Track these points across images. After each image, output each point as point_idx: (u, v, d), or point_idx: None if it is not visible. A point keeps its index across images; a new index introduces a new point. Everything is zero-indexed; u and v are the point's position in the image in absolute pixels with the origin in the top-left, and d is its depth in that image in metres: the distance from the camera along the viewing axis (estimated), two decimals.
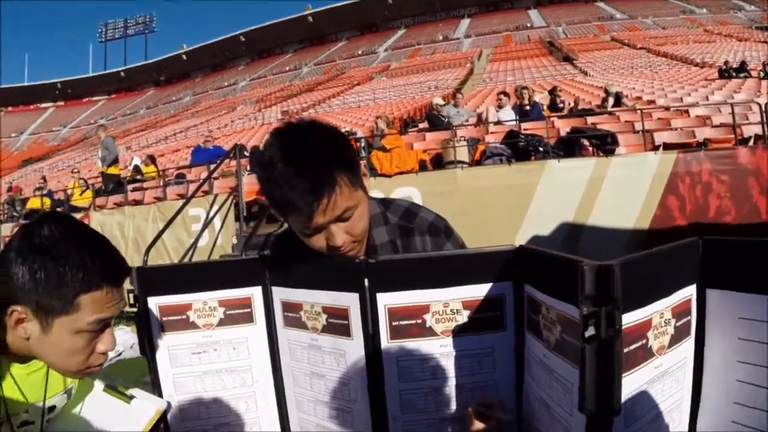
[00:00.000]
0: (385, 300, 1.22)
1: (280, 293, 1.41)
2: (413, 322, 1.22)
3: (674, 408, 1.07)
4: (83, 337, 1.15)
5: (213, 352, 1.44)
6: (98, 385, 1.44)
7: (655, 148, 8.44)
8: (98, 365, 1.21)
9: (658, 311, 1.00)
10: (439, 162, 8.97)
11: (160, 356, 1.43)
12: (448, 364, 1.23)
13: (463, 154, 8.60)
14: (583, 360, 0.93)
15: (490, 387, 1.25)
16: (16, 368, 1.19)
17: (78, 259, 1.10)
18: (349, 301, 1.25)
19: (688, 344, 1.07)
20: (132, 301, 1.42)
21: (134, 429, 1.37)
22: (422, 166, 8.83)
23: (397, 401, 1.25)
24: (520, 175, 7.92)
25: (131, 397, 1.43)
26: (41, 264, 1.08)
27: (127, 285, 1.42)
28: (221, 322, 1.44)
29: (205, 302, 1.43)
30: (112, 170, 12.12)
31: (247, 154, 10.20)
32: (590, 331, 0.92)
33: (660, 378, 1.03)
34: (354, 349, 1.26)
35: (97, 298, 1.13)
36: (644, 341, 0.99)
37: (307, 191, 1.17)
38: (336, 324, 1.29)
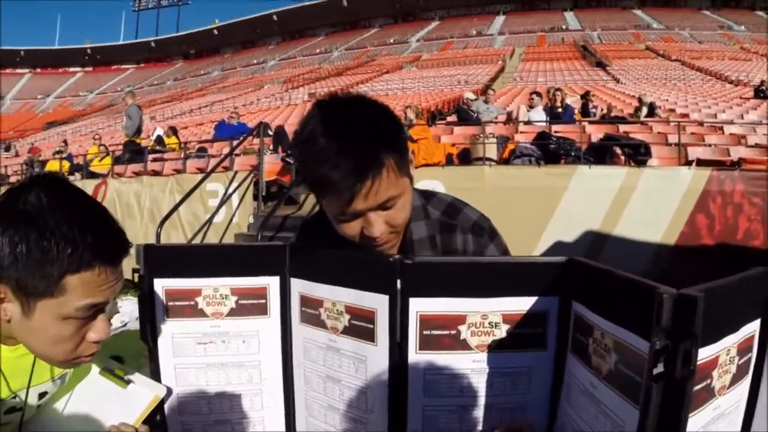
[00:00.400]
0: (418, 306, 1.09)
1: (299, 286, 1.29)
2: (446, 332, 1.09)
3: None
4: (71, 324, 1.00)
5: (220, 343, 1.33)
6: (95, 368, 1.33)
7: (688, 163, 8.19)
8: (89, 355, 1.08)
9: (726, 348, 0.87)
10: (466, 157, 8.78)
11: (163, 344, 1.33)
12: (479, 382, 1.11)
13: (491, 151, 8.41)
14: (647, 400, 0.81)
15: (521, 410, 1.13)
16: (3, 351, 1.06)
17: (67, 232, 0.92)
18: (377, 303, 1.13)
19: (746, 384, 0.95)
20: (137, 282, 1.31)
21: (129, 416, 1.26)
22: (449, 160, 8.63)
23: (419, 417, 1.13)
24: (549, 178, 7.71)
25: (128, 382, 1.33)
26: (23, 236, 0.91)
27: (133, 264, 1.32)
28: (232, 312, 1.32)
29: (216, 289, 1.32)
30: (134, 139, 12.08)
31: (271, 132, 10.11)
32: (659, 368, 0.79)
33: (716, 421, 0.90)
34: (377, 356, 1.14)
35: (87, 279, 0.97)
36: (709, 381, 0.86)
37: (350, 172, 1.05)
38: (359, 327, 1.16)
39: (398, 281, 1.10)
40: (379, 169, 1.07)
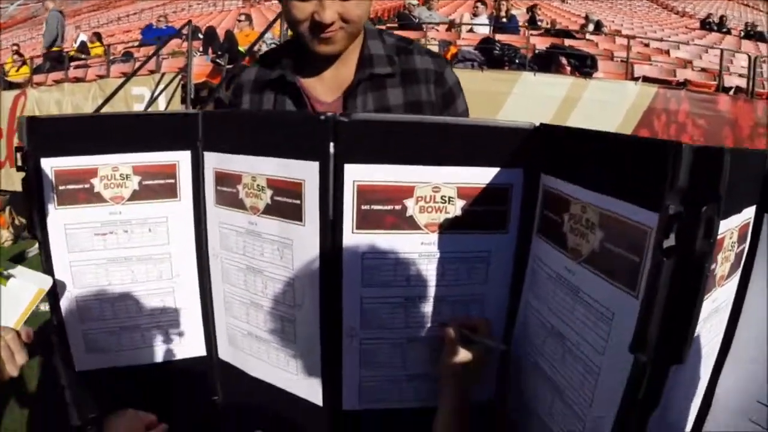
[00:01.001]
0: (355, 174, 0.88)
1: (213, 161, 1.06)
2: (390, 208, 0.89)
3: (710, 354, 0.80)
4: None
5: (122, 234, 1.11)
6: None
7: (634, 80, 8.15)
8: None
9: (730, 229, 0.71)
10: None
11: (54, 237, 1.09)
12: (429, 269, 0.93)
13: None
14: (654, 282, 0.63)
15: (477, 303, 0.96)
16: None
17: None
18: (305, 172, 0.91)
19: (737, 279, 0.79)
20: (20, 163, 1.06)
21: (9, 316, 1.04)
22: None
23: (356, 311, 0.94)
24: (492, 83, 7.43)
25: (8, 277, 1.09)
26: None
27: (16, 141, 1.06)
28: (135, 195, 1.10)
29: (115, 168, 1.09)
30: (55, 48, 11.17)
31: (201, 36, 9.50)
32: (670, 241, 0.61)
33: (711, 317, 0.74)
34: (305, 238, 0.94)
35: None
36: (714, 266, 0.69)
37: None
38: (284, 204, 0.95)
39: (331, 144, 0.88)
40: None
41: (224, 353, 1.16)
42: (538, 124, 0.90)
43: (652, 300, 0.63)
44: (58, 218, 1.09)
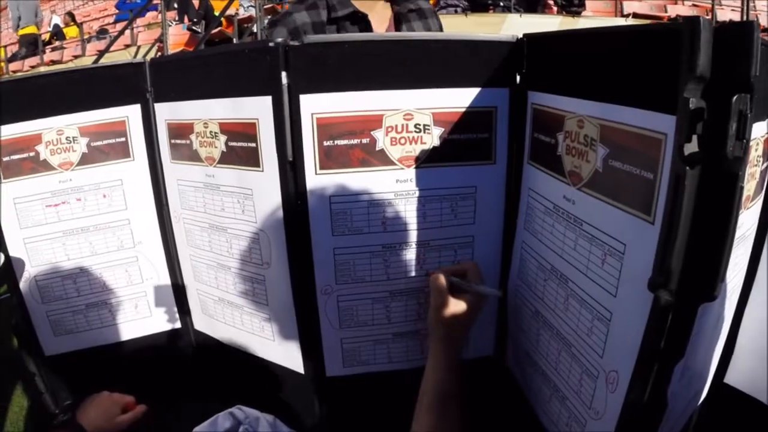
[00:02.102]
0: (313, 106, 0.77)
1: (165, 112, 0.95)
2: (356, 141, 0.78)
3: (733, 291, 0.69)
4: None
5: (75, 202, 1.02)
6: None
7: (624, 17, 7.89)
8: None
9: (756, 139, 0.59)
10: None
11: (4, 214, 1.00)
12: (408, 210, 0.81)
13: None
14: (676, 200, 0.50)
15: (465, 246, 0.85)
16: None
17: None
18: (258, 110, 0.80)
19: (760, 202, 0.67)
20: None
21: None
22: None
23: (329, 265, 0.83)
24: (477, 28, 7.07)
25: None
26: None
27: None
28: (85, 159, 1.00)
29: (60, 131, 0.99)
30: (26, 31, 10.92)
31: (176, 6, 9.31)
32: (692, 147, 0.49)
33: (736, 246, 0.62)
34: (265, 186, 0.83)
35: None
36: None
37: None
38: (239, 149, 0.84)
39: (283, 74, 0.76)
40: None
41: (199, 323, 1.06)
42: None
43: (675, 223, 0.50)
44: (5, 193, 0.99)
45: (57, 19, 11.83)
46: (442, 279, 0.79)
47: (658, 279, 0.53)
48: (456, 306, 0.78)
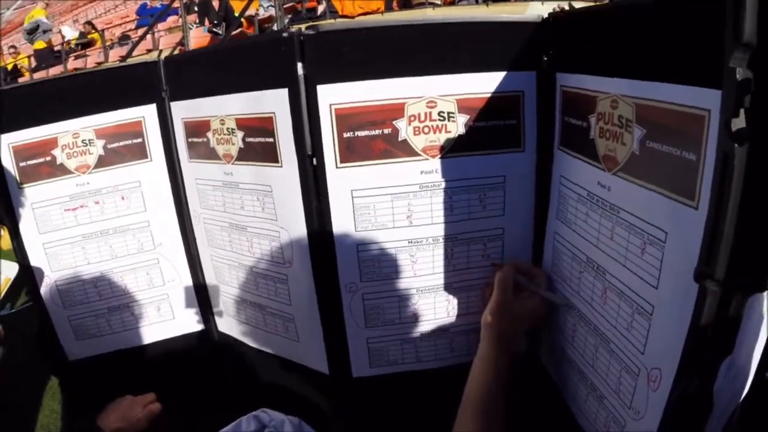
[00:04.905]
0: (332, 96, 0.74)
1: (181, 111, 0.93)
2: (378, 132, 0.75)
3: None
4: None
5: (94, 206, 1.01)
6: None
7: None
8: None
9: None
10: (407, 3, 8.12)
11: (23, 220, 0.99)
12: (434, 202, 0.78)
13: None
14: (723, 181, 0.45)
15: (495, 239, 0.81)
16: None
17: None
18: (275, 103, 0.77)
19: None
20: None
21: None
22: (388, 6, 7.90)
23: (353, 262, 0.80)
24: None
25: None
26: None
27: None
28: (102, 162, 0.99)
29: (75, 134, 0.98)
30: (38, 45, 11.12)
31: (196, 9, 9.36)
32: (740, 122, 0.44)
33: None
34: (285, 182, 0.80)
35: None
36: None
37: None
38: (257, 144, 0.82)
39: (299, 65, 0.73)
40: None
41: (222, 325, 1.04)
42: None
43: (722, 207, 0.46)
44: (24, 198, 0.99)
45: (67, 30, 12.04)
46: (511, 275, 0.75)
47: (704, 269, 0.48)
48: (521, 307, 0.74)
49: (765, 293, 0.52)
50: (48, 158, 0.98)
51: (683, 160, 0.51)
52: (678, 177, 0.52)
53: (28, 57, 11.11)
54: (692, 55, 0.49)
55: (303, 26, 0.74)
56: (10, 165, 0.97)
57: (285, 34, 0.74)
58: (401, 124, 0.74)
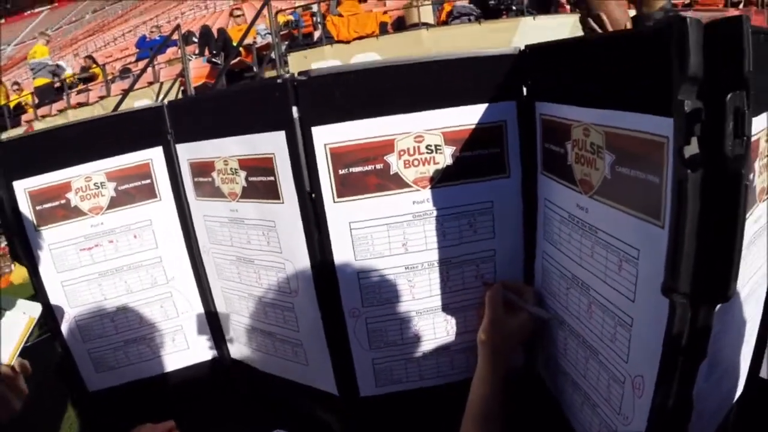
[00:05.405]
0: (325, 137, 0.79)
1: (186, 152, 0.98)
2: (370, 168, 0.80)
3: (758, 286, 0.68)
4: None
5: (108, 245, 1.06)
6: None
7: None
8: None
9: (764, 129, 0.59)
10: (401, 25, 8.21)
11: (41, 260, 1.04)
12: (427, 230, 0.83)
13: (427, 15, 7.66)
14: (680, 203, 0.50)
15: (488, 261, 0.85)
16: None
17: None
18: (273, 144, 0.82)
19: None
20: None
21: (4, 350, 0.99)
22: (383, 30, 8.05)
23: (355, 289, 0.85)
24: (492, 35, 6.98)
25: (2, 311, 1.04)
26: None
27: None
28: (114, 203, 1.04)
29: (88, 177, 1.03)
30: (39, 82, 11.32)
31: (195, 40, 9.47)
32: (692, 149, 0.49)
33: (754, 241, 0.62)
34: (287, 217, 0.85)
35: None
36: (751, 176, 0.57)
37: None
38: (259, 183, 0.87)
39: (294, 108, 0.79)
40: None
41: (235, 352, 1.09)
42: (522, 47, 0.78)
43: (681, 227, 0.51)
44: (41, 240, 1.04)
45: (63, 65, 12.23)
46: (500, 293, 0.80)
47: (670, 283, 0.53)
48: (512, 322, 0.79)
49: (736, 299, 0.57)
50: (63, 201, 1.03)
51: (648, 183, 0.56)
52: (645, 199, 0.57)
53: (31, 93, 11.25)
54: (648, 86, 0.54)
55: (296, 72, 0.79)
56: (27, 209, 1.02)
57: (279, 80, 0.79)
58: (392, 158, 0.79)
